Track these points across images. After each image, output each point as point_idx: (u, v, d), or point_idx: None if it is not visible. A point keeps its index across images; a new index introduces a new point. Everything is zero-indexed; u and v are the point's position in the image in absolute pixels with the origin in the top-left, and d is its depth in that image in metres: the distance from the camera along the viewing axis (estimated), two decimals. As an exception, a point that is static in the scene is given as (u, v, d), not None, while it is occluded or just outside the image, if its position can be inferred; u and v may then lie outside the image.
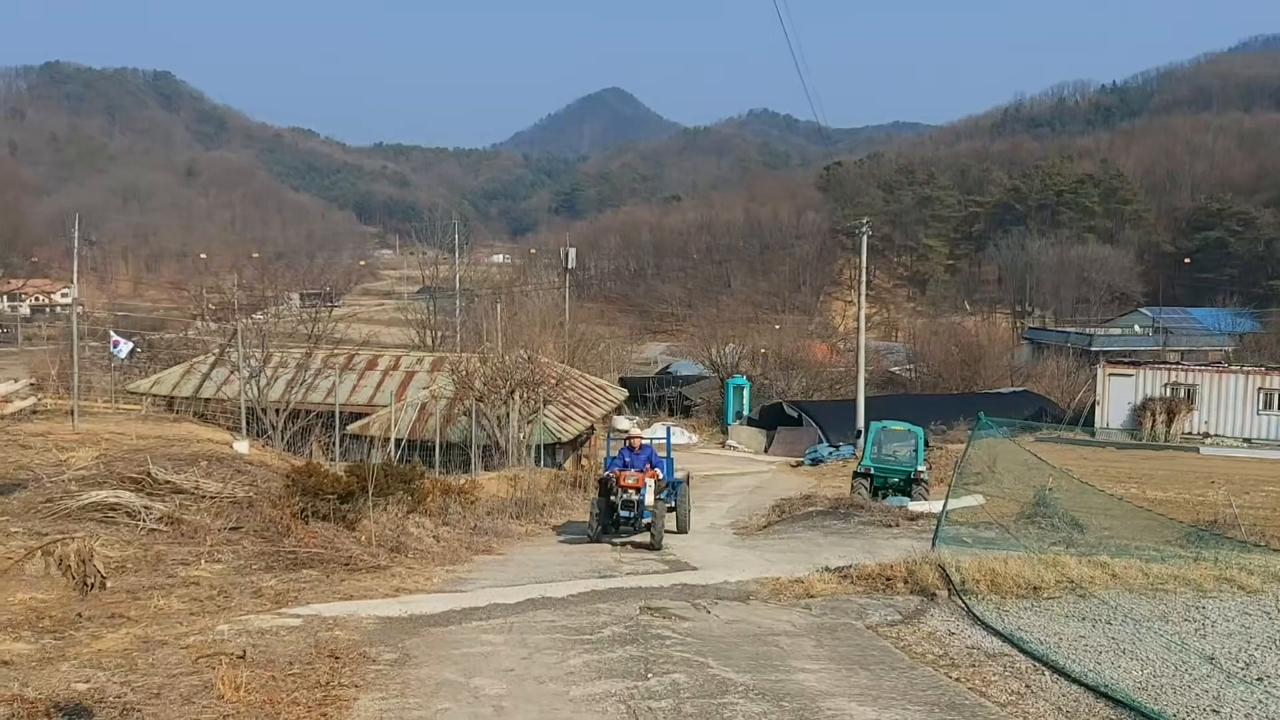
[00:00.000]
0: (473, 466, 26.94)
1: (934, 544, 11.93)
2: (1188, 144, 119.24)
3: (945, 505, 13.52)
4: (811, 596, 10.79)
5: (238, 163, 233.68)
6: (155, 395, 32.04)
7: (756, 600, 10.81)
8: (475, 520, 18.33)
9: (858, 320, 42.70)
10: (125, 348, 25.95)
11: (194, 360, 37.55)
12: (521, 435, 30.24)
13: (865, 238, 40.52)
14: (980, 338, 58.55)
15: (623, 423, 48.65)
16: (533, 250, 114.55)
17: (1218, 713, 6.68)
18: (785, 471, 36.88)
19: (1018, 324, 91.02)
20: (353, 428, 30.92)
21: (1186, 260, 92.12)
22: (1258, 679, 7.29)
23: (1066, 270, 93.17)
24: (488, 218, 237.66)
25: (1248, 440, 39.71)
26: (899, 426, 24.76)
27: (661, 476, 16.90)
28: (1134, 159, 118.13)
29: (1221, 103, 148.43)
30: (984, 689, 7.26)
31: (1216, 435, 40.03)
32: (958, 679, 7.53)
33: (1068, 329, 75.89)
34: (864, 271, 41.24)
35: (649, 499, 15.60)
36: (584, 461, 34.64)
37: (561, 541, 16.87)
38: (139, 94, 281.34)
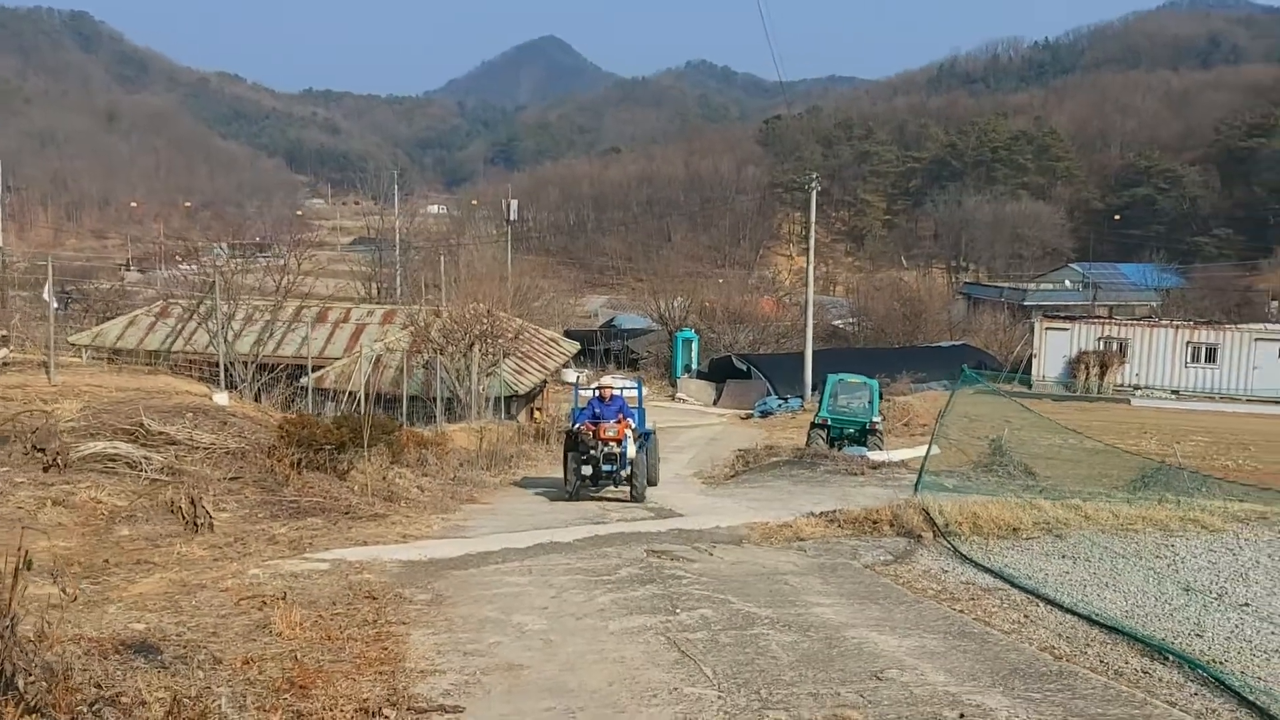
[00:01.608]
0: (437, 419, 27.19)
1: (916, 489, 12.61)
2: (1117, 102, 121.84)
3: (928, 452, 14.22)
4: (802, 539, 11.40)
5: (161, 107, 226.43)
6: (97, 349, 31.63)
7: (750, 544, 11.39)
8: (453, 471, 18.75)
9: (806, 276, 43.46)
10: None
11: (135, 313, 37.06)
12: (481, 388, 30.56)
13: (814, 194, 41.15)
14: (920, 292, 59.86)
15: (571, 375, 49.04)
16: (474, 201, 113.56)
17: (1201, 636, 7.39)
18: (736, 423, 37.65)
19: (953, 279, 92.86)
20: (306, 380, 30.92)
21: (1116, 217, 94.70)
22: (1243, 604, 8.05)
23: (1001, 226, 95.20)
24: (423, 167, 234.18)
25: (1175, 392, 41.41)
26: (855, 379, 25.54)
27: (634, 428, 16.81)
28: (1066, 116, 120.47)
29: (1150, 61, 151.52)
30: (988, 619, 7.90)
31: (1147, 387, 41.66)
32: (961, 611, 8.17)
33: (1002, 284, 77.73)
34: (811, 228, 41.92)
35: (631, 450, 15.54)
36: (536, 414, 35.01)
37: (537, 495, 17.08)
38: (54, 34, 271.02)
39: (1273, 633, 7.47)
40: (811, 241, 41.42)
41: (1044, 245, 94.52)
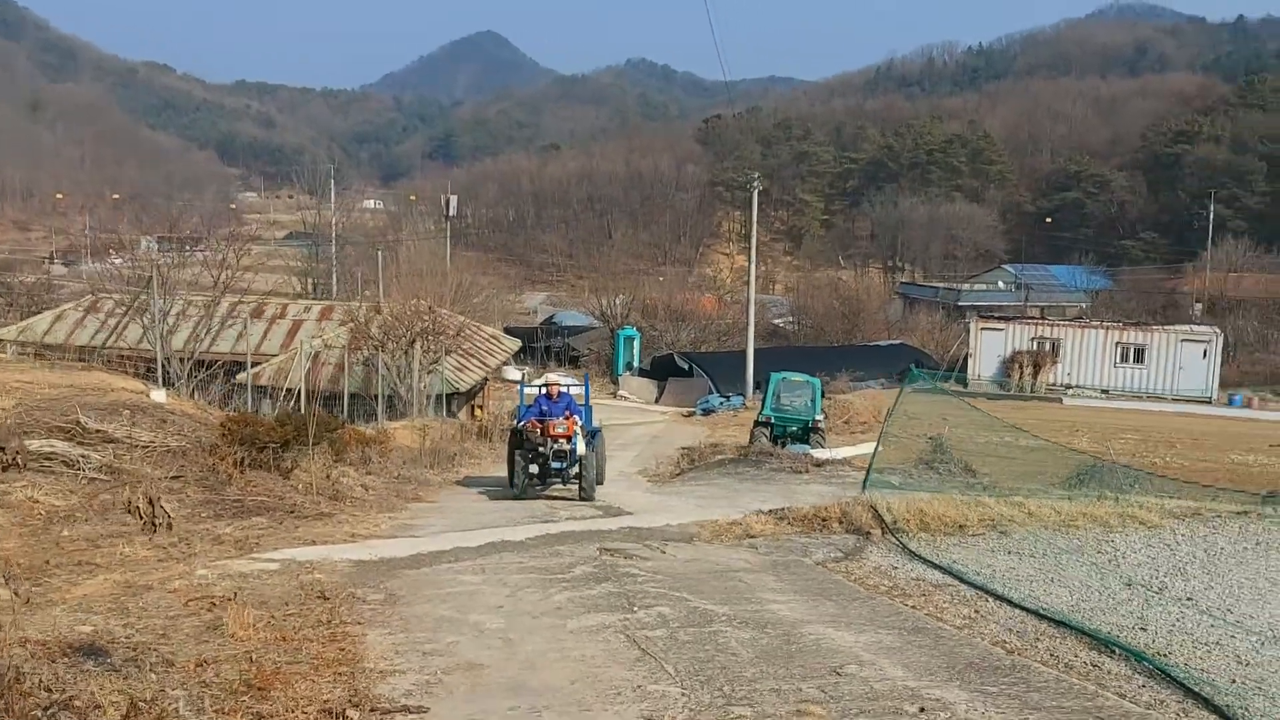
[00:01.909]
0: (379, 417, 26.91)
1: (864, 487, 12.77)
2: (1048, 108, 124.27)
3: (876, 450, 14.40)
4: (752, 537, 11.50)
5: (88, 97, 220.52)
6: (23, 344, 30.77)
7: (701, 541, 11.46)
8: (397, 470, 18.57)
9: (748, 275, 43.75)
10: None
11: (63, 307, 36.11)
12: (422, 385, 30.30)
13: (755, 193, 41.41)
14: (858, 292, 60.58)
15: (512, 373, 48.78)
16: (412, 197, 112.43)
17: (1145, 630, 7.60)
18: (679, 421, 37.78)
19: (889, 279, 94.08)
20: (243, 377, 30.40)
21: (1047, 220, 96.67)
22: (1187, 598, 8.29)
23: (935, 228, 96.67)
24: (359, 162, 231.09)
25: (1105, 391, 42.41)
26: (797, 378, 25.78)
27: (581, 425, 16.38)
28: (999, 121, 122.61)
29: (1080, 68, 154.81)
30: (939, 615, 8.04)
31: (1078, 386, 42.60)
32: (913, 606, 8.30)
33: (937, 284, 78.95)
34: (754, 227, 42.21)
35: (581, 448, 15.25)
36: (477, 412, 34.82)
37: (481, 494, 16.89)
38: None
39: (1212, 625, 7.71)
40: (754, 241, 41.72)
41: (977, 246, 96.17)
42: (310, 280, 59.87)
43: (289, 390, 29.51)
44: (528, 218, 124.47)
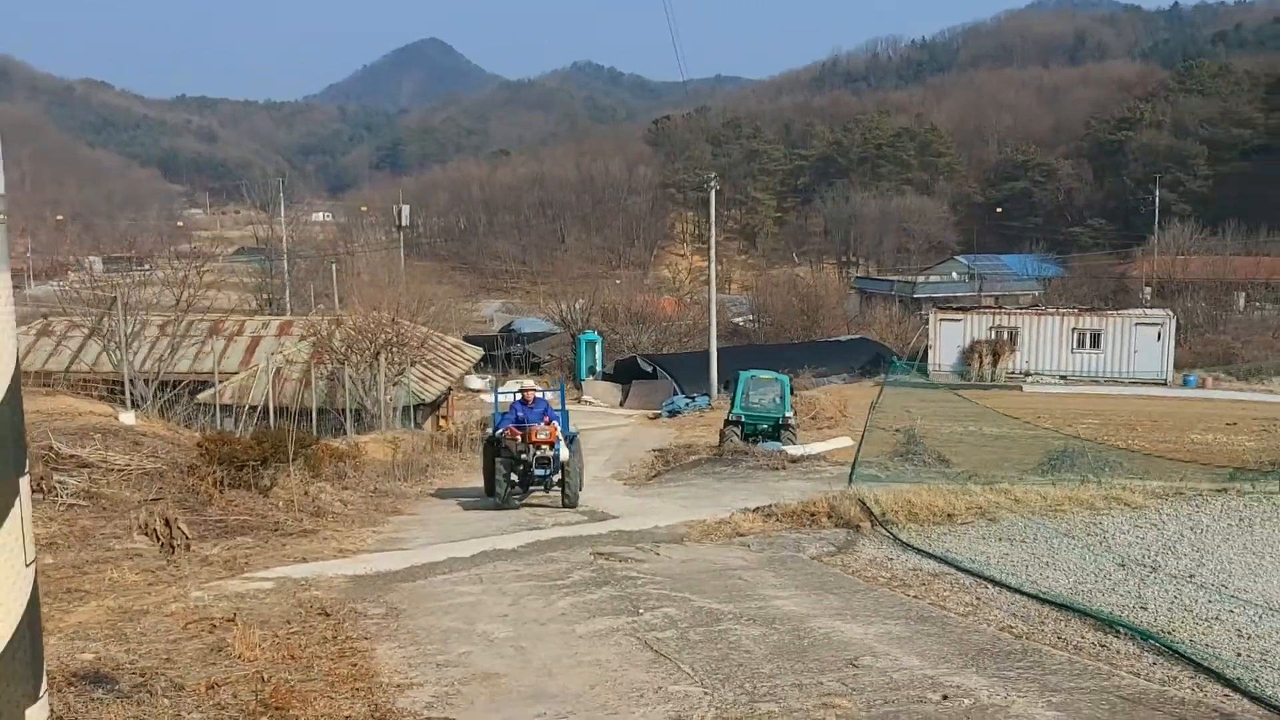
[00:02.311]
0: (347, 431, 26.67)
1: (851, 480, 12.86)
2: (993, 99, 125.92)
3: (860, 443, 14.51)
4: (742, 535, 11.53)
5: (22, 117, 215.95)
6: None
7: (691, 541, 11.47)
8: (372, 483, 18.41)
9: (709, 275, 43.88)
10: None
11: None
12: (388, 397, 30.08)
13: (713, 194, 41.58)
14: (816, 288, 60.98)
15: (475, 382, 48.42)
16: (363, 208, 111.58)
17: (1145, 608, 7.73)
18: (645, 424, 37.77)
19: (844, 274, 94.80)
20: (204, 396, 30.00)
21: (998, 210, 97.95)
22: (1188, 575, 8.44)
23: (888, 221, 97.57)
24: (305, 174, 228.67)
25: (1064, 377, 43.02)
26: (766, 375, 25.89)
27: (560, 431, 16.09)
28: (945, 113, 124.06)
29: (1022, 58, 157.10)
30: (942, 603, 8.12)
31: (1037, 373, 43.18)
32: (915, 596, 8.38)
33: (892, 278, 79.67)
34: (712, 227, 42.35)
35: (564, 453, 14.99)
36: (443, 422, 34.63)
37: (460, 504, 16.64)
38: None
39: (1209, 601, 7.86)
40: (713, 240, 41.87)
41: (929, 239, 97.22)
42: (266, 296, 59.19)
43: (252, 407, 29.19)
44: (480, 225, 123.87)
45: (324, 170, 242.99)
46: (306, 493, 14.98)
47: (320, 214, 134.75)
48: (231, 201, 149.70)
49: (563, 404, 18.36)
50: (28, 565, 2.69)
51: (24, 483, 2.69)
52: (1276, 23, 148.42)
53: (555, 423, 15.61)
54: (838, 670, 6.36)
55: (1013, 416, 22.27)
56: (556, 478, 15.14)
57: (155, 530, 8.45)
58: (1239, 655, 6.61)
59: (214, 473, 13.04)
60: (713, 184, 41.52)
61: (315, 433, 26.72)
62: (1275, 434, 30.63)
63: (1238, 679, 6.03)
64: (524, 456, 14.93)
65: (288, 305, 55.53)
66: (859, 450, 14.14)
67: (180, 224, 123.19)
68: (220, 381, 30.92)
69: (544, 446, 14.88)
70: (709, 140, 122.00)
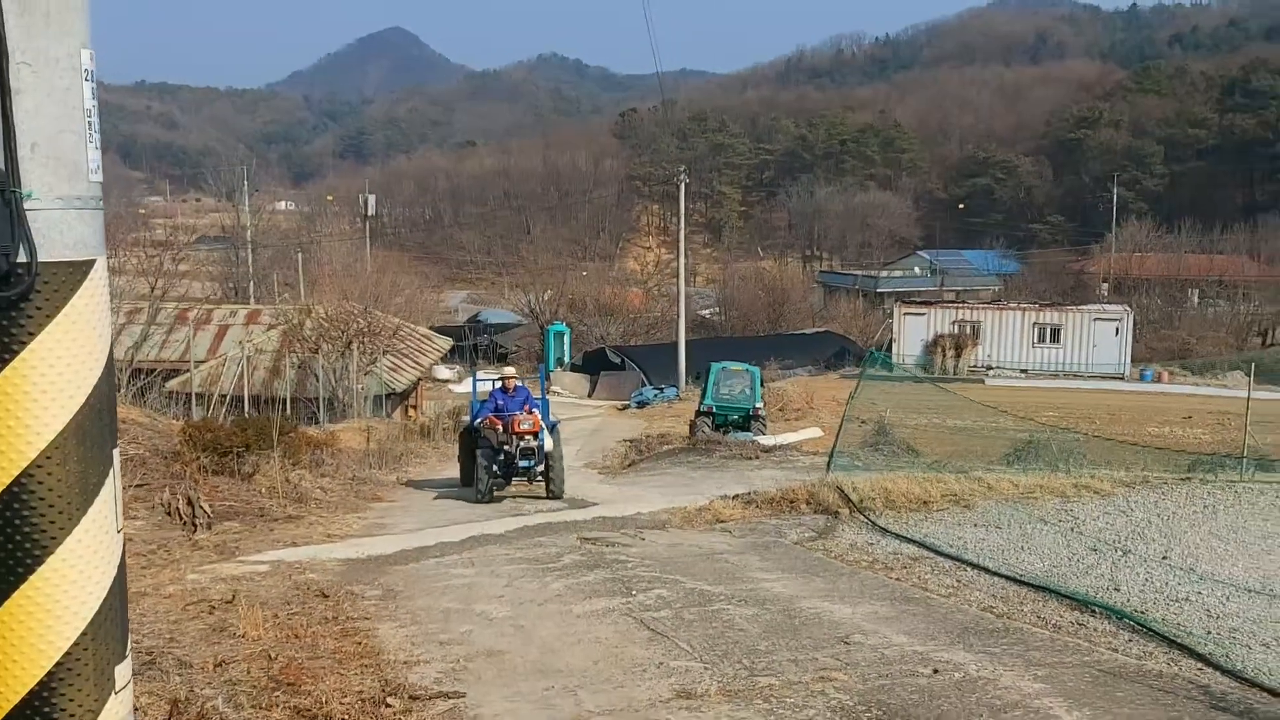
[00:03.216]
0: (320, 419, 26.68)
1: (829, 468, 13.16)
2: (956, 97, 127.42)
3: (839, 432, 14.82)
4: (723, 521, 11.78)
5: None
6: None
7: (673, 527, 11.70)
8: (350, 471, 18.49)
9: (677, 268, 44.17)
10: None
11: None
12: (360, 386, 30.12)
13: (682, 187, 41.86)
14: (783, 282, 61.50)
15: (443, 371, 48.31)
16: (329, 197, 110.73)
17: (1118, 589, 8.07)
18: (614, 415, 38.01)
19: (808, 268, 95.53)
20: (174, 384, 29.88)
21: (960, 206, 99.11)
22: (1163, 557, 8.80)
23: (852, 216, 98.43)
24: (268, 162, 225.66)
25: (1024, 371, 43.79)
26: (737, 367, 26.25)
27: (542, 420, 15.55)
28: (909, 110, 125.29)
29: (984, 57, 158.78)
30: (924, 585, 8.42)
31: (998, 367, 43.91)
32: (897, 579, 8.67)
33: (855, 272, 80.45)
34: (682, 220, 42.63)
35: (549, 443, 14.60)
36: (411, 412, 34.69)
37: (439, 492, 16.64)
38: None
39: (1179, 583, 8.22)
40: (682, 233, 42.15)
41: (892, 234, 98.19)
42: (231, 284, 58.79)
43: (223, 396, 29.13)
44: (445, 216, 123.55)
45: (287, 159, 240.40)
46: (288, 479, 15.04)
47: (284, 203, 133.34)
48: (192, 189, 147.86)
49: (543, 392, 18.10)
50: (118, 532, 2.87)
51: (115, 454, 2.87)
52: (1231, 25, 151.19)
53: (537, 411, 15.33)
54: (831, 647, 6.62)
55: (1003, 410, 22.70)
56: (540, 468, 14.75)
57: (179, 509, 8.54)
58: (1209, 633, 6.96)
59: (198, 459, 13.09)
60: (682, 177, 41.77)
61: (290, 421, 26.80)
62: (1229, 427, 31.34)
63: (1210, 654, 6.36)
64: (506, 447, 14.50)
65: (251, 294, 55.22)
66: (837, 438, 14.44)
67: (142, 211, 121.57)
68: (185, 370, 30.83)
69: (527, 436, 14.48)
70: (675, 133, 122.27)
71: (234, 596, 8.29)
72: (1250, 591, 7.98)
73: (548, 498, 14.62)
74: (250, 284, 58.90)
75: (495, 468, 14.55)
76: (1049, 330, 44.50)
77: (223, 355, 32.33)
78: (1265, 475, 12.80)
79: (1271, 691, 5.80)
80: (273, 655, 6.79)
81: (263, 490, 13.97)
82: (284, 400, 29.25)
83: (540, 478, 14.79)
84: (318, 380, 29.47)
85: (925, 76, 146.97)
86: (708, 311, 61.68)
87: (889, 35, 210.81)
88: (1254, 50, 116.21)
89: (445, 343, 40.87)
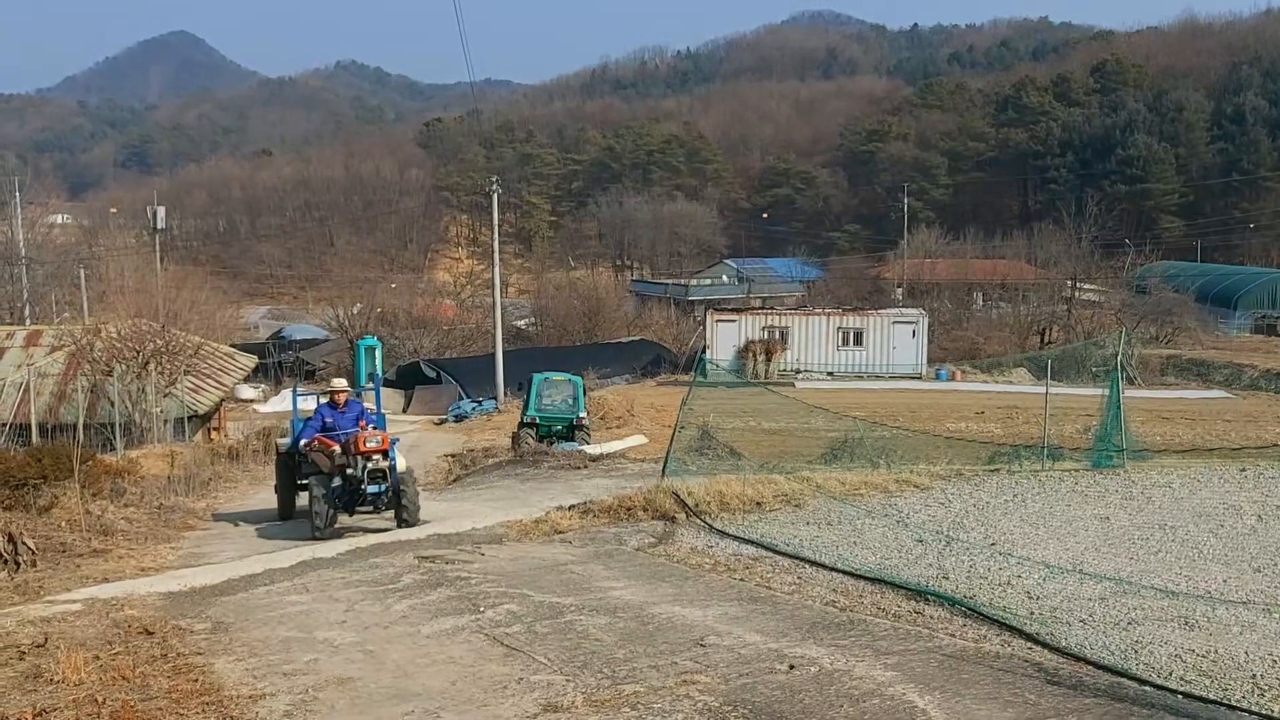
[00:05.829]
0: (117, 446, 25.06)
1: (663, 474, 13.30)
2: (755, 109, 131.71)
3: (673, 438, 14.97)
4: (561, 532, 11.72)
5: None
6: None
7: (510, 541, 11.57)
8: (155, 499, 17.44)
9: (492, 279, 43.82)
10: None
11: None
12: (159, 409, 28.51)
13: (495, 198, 41.52)
14: (597, 291, 61.89)
15: (247, 391, 46.37)
16: (113, 209, 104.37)
17: (947, 578, 8.49)
18: (430, 429, 37.31)
19: (619, 277, 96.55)
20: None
21: (763, 215, 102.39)
22: (991, 544, 9.29)
23: (660, 226, 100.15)
24: (41, 172, 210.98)
25: (831, 373, 45.55)
26: (559, 377, 26.18)
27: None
28: (711, 122, 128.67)
29: (780, 71, 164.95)
30: (768, 584, 8.63)
31: (806, 370, 45.51)
32: (741, 579, 8.85)
33: (666, 281, 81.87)
34: (496, 231, 42.28)
35: (401, 463, 12.87)
36: (214, 434, 33.11)
37: (254, 515, 15.74)
38: None
39: (1000, 568, 8.72)
40: (496, 244, 41.83)
41: (700, 243, 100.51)
42: (5, 305, 54.47)
43: (2, 424, 27.11)
44: (241, 227, 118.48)
45: (62, 168, 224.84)
46: (89, 511, 14.09)
47: (60, 215, 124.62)
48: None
49: (378, 407, 16.15)
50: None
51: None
52: (1002, 46, 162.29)
53: (379, 429, 13.48)
54: (688, 650, 6.69)
55: (824, 408, 23.47)
56: (388, 495, 12.62)
57: (-1, 548, 7.78)
58: (1032, 614, 7.41)
59: (-13, 494, 12.09)
60: (495, 188, 41.49)
61: (82, 449, 25.05)
62: (1017, 421, 33.43)
63: (1037, 633, 6.78)
64: (350, 472, 12.44)
65: (26, 315, 51.41)
66: (671, 444, 14.62)
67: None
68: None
69: (375, 456, 12.36)
70: (481, 143, 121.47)
71: (46, 640, 7.69)
72: (1064, 571, 8.54)
73: (400, 526, 12.56)
74: (24, 304, 54.79)
75: (336, 496, 12.58)
76: (852, 334, 46.43)
77: (1, 380, 30.00)
78: (1062, 464, 13.74)
79: (1096, 664, 6.23)
80: (100, 700, 6.33)
81: (63, 524, 13.04)
82: (74, 427, 27.36)
83: (388, 506, 12.73)
84: (112, 404, 27.69)
85: (726, 89, 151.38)
86: (523, 322, 61.44)
87: (690, 49, 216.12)
88: (1024, 69, 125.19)
89: (249, 361, 39.12)
